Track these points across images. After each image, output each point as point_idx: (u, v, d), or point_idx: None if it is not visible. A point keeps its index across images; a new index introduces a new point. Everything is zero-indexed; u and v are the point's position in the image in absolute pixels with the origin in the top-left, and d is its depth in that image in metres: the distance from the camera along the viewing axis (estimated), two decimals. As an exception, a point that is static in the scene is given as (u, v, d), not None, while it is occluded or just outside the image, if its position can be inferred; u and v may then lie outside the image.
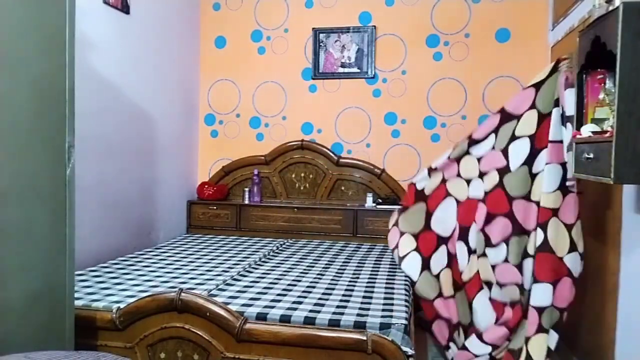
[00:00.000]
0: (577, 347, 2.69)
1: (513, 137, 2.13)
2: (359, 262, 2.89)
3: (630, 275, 2.04)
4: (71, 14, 1.58)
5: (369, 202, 3.67)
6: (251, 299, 2.12)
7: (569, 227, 1.97)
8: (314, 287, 2.35)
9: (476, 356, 2.15)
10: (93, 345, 1.94)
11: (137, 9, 3.18)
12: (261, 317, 1.91)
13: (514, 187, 2.07)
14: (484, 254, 2.14)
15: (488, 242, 2.11)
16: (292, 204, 3.81)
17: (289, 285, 2.37)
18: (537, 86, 2.14)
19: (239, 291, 2.26)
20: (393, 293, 2.24)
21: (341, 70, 3.88)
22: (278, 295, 2.21)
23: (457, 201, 2.28)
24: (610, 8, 1.69)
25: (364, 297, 2.20)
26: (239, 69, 4.06)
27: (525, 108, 2.12)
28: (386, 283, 2.42)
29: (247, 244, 3.41)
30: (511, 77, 3.60)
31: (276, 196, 3.97)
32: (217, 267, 2.74)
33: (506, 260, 2.06)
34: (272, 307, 2.00)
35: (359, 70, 3.84)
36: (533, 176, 2.06)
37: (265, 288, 2.31)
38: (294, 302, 2.10)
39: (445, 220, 2.31)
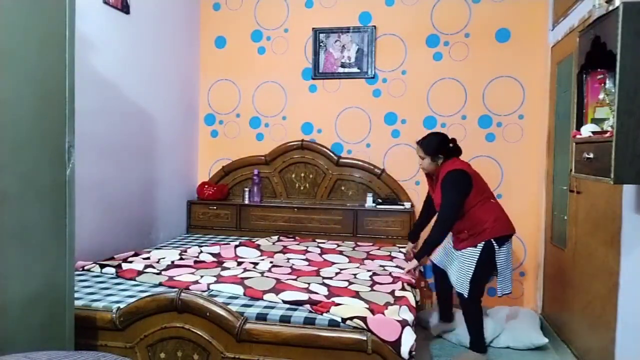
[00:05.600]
0: (577, 347, 2.69)
1: None
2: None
3: (630, 275, 2.05)
4: (71, 13, 1.58)
5: (369, 202, 3.66)
6: (251, 298, 2.12)
7: None
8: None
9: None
10: (93, 345, 1.94)
11: (137, 8, 3.18)
12: (261, 317, 1.91)
13: None
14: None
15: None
16: (292, 204, 3.81)
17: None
18: None
19: (239, 291, 2.26)
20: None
21: (341, 70, 3.87)
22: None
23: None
24: (610, 8, 1.69)
25: (364, 297, 2.20)
26: (239, 69, 4.06)
27: None
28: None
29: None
30: (511, 77, 3.60)
31: (276, 196, 3.97)
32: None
33: None
34: (272, 307, 2.00)
35: (359, 70, 3.84)
36: None
37: (265, 288, 2.31)
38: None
39: None
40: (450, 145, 2.79)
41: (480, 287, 2.71)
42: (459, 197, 2.64)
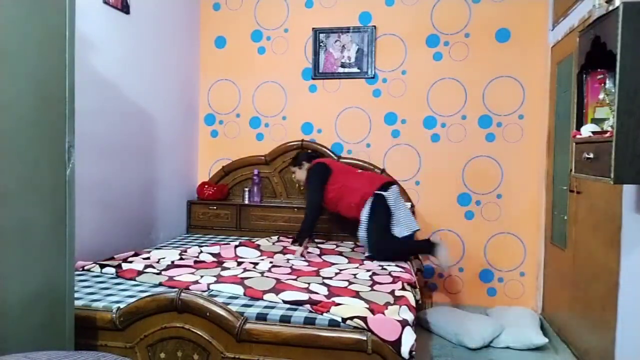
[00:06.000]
0: (577, 347, 2.69)
1: None
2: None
3: (630, 275, 2.05)
4: (71, 13, 1.58)
5: (369, 202, 3.66)
6: (251, 298, 2.12)
7: None
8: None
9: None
10: (93, 345, 1.94)
11: (137, 9, 3.18)
12: (261, 317, 1.91)
13: None
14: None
15: None
16: (292, 204, 3.81)
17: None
18: None
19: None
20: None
21: (341, 70, 3.87)
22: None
23: None
24: (610, 8, 1.69)
25: (364, 297, 2.20)
26: (239, 69, 4.06)
27: None
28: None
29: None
30: (511, 77, 3.60)
31: (276, 196, 3.97)
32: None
33: None
34: (272, 307, 2.00)
35: (359, 70, 3.84)
36: None
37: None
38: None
39: None
40: (309, 151, 3.48)
41: (381, 234, 2.95)
42: (317, 184, 3.12)
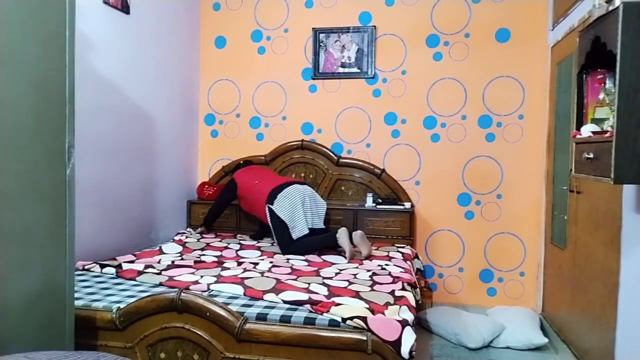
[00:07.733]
0: (577, 347, 2.69)
1: None
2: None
3: (630, 275, 2.04)
4: (71, 14, 1.58)
5: (369, 202, 3.66)
6: (251, 298, 2.12)
7: None
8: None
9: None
10: (93, 345, 1.94)
11: (137, 9, 3.18)
12: (261, 317, 1.91)
13: None
14: None
15: None
16: (292, 204, 3.81)
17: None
18: None
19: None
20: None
21: (341, 70, 3.87)
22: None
23: None
24: (610, 8, 1.69)
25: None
26: (239, 69, 4.06)
27: None
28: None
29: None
30: (511, 77, 3.60)
31: (276, 196, 3.96)
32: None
33: None
34: (273, 307, 2.00)
35: (359, 70, 3.84)
36: None
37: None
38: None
39: None
40: (241, 162, 3.71)
41: (286, 238, 3.11)
42: (221, 197, 3.49)
